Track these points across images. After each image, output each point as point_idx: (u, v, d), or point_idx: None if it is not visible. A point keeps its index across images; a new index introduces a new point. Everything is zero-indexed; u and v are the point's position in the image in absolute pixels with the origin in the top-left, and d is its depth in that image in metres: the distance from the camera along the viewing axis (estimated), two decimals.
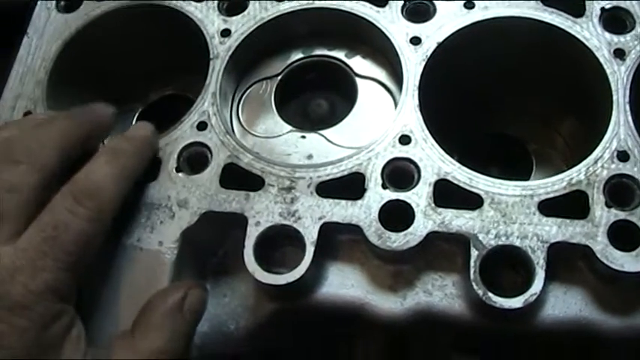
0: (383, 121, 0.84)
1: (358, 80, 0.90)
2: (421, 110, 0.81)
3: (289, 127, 0.89)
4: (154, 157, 0.82)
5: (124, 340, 0.72)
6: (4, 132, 0.77)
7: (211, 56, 0.87)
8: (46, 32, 0.94)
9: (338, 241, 0.79)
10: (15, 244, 0.68)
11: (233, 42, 0.88)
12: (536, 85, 0.94)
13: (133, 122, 1.01)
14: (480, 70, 0.91)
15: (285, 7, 0.90)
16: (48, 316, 0.68)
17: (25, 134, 0.75)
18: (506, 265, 0.75)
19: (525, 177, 0.96)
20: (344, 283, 0.78)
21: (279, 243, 0.77)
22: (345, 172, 0.78)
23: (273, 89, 0.91)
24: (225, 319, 0.81)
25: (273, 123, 0.89)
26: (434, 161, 0.78)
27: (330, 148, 0.86)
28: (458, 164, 0.77)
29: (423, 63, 0.84)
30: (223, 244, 0.82)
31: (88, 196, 0.71)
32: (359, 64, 0.91)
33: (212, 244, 0.82)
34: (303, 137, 0.87)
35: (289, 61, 0.92)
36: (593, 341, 0.77)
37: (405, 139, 0.79)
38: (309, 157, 0.86)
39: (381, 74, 0.90)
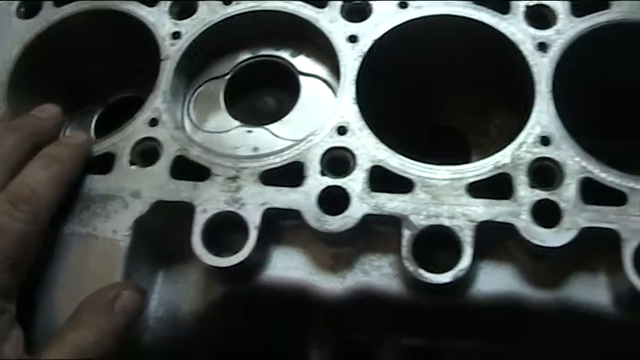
0: (324, 114, 0.88)
1: (302, 78, 0.96)
2: (358, 103, 0.86)
3: (237, 123, 0.93)
4: (87, 162, 0.86)
5: (54, 337, 0.75)
6: None
7: (162, 57, 0.92)
8: (7, 36, 0.99)
9: (282, 226, 0.83)
10: None
11: (183, 44, 0.93)
12: (470, 79, 0.99)
13: (93, 123, 1.07)
14: (416, 66, 0.97)
15: (232, 10, 0.95)
16: None
17: None
18: (441, 246, 0.81)
19: None
20: (288, 266, 0.83)
21: (226, 230, 0.82)
22: (287, 162, 0.83)
23: (223, 88, 0.96)
24: (177, 304, 0.85)
25: (222, 119, 0.94)
26: (369, 149, 0.83)
27: (275, 141, 0.90)
28: (391, 151, 0.83)
29: (360, 59, 0.89)
30: (175, 232, 0.85)
31: (25, 201, 0.76)
32: (303, 62, 0.97)
33: (164, 232, 0.86)
34: (250, 132, 0.92)
35: (237, 61, 0.97)
36: (523, 315, 0.82)
37: (342, 130, 0.84)
38: (255, 149, 0.90)
39: (323, 71, 0.95)
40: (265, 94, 0.99)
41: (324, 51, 0.94)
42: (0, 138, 0.83)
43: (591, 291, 0.80)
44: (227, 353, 0.91)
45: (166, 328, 0.84)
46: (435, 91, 1.02)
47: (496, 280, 0.81)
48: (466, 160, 1.01)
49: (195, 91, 0.96)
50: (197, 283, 0.85)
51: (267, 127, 0.92)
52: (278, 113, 0.94)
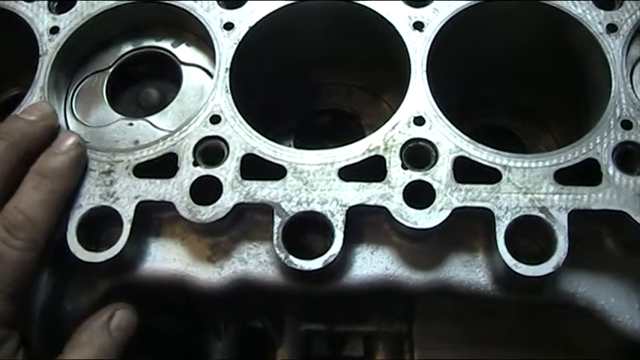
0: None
1: (183, 67, 0.95)
2: (232, 91, 0.85)
3: (118, 116, 0.92)
4: (85, 169, 0.83)
5: (57, 358, 0.76)
6: None
7: (40, 53, 0.91)
8: None
9: (160, 218, 0.83)
10: None
11: (61, 39, 0.92)
12: (353, 62, 0.99)
13: None
14: (297, 52, 0.97)
15: (110, 3, 0.94)
16: None
17: None
18: (317, 233, 0.80)
19: None
20: (166, 258, 0.83)
21: (104, 224, 0.81)
22: (160, 153, 0.83)
23: (105, 81, 0.95)
24: (62, 299, 0.84)
25: (105, 113, 0.93)
26: (242, 137, 0.82)
27: (155, 133, 0.90)
28: (264, 139, 0.82)
29: (235, 46, 0.88)
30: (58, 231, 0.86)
31: (20, 228, 0.75)
32: (184, 52, 0.96)
33: None
34: (131, 124, 0.91)
35: (120, 54, 0.97)
36: (402, 296, 0.82)
37: (215, 119, 0.84)
38: (136, 142, 0.89)
39: (203, 60, 0.95)
40: (148, 86, 0.98)
41: (203, 40, 0.93)
42: None
43: (470, 271, 0.80)
44: None
45: (51, 323, 0.84)
46: (324, 76, 1.01)
47: (373, 264, 0.80)
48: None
49: (78, 85, 0.95)
50: (81, 280, 0.84)
51: (148, 118, 0.91)
52: (161, 104, 0.94)
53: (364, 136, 0.99)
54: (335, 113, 1.04)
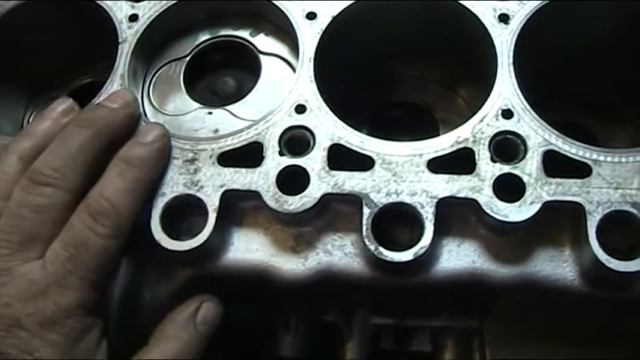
0: (285, 94, 0.86)
1: (262, 57, 0.94)
2: (316, 81, 0.85)
3: (197, 105, 0.92)
4: (169, 159, 0.82)
5: (141, 351, 0.77)
6: (24, 142, 0.79)
7: (120, 40, 0.91)
8: None
9: (243, 207, 0.82)
10: (42, 263, 0.72)
11: (140, 26, 0.92)
12: (435, 54, 0.98)
13: None
14: (377, 43, 0.95)
15: None
16: (78, 330, 0.72)
17: (48, 153, 0.77)
18: (404, 224, 0.79)
19: None
20: (249, 248, 0.82)
21: (185, 213, 0.81)
22: (245, 142, 0.82)
23: (182, 69, 0.95)
24: (141, 288, 0.84)
25: (182, 102, 0.93)
26: (328, 127, 0.81)
27: (235, 122, 0.89)
28: (350, 129, 0.81)
29: (318, 36, 0.87)
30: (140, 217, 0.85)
31: (106, 215, 0.74)
32: (262, 41, 0.95)
33: None
34: (210, 113, 0.91)
35: (197, 42, 0.96)
36: (488, 291, 0.81)
37: (300, 109, 0.83)
38: (216, 131, 0.89)
39: (283, 50, 0.94)
40: (225, 75, 0.97)
41: (283, 29, 0.93)
42: (68, 135, 0.79)
43: (557, 266, 0.79)
44: None
45: (129, 311, 0.83)
46: (399, 68, 1.01)
47: (460, 257, 0.79)
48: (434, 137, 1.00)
49: (155, 73, 0.95)
50: (161, 267, 0.83)
51: (227, 108, 0.91)
52: (238, 94, 0.93)
53: (438, 131, 1.00)
54: (409, 106, 1.03)
